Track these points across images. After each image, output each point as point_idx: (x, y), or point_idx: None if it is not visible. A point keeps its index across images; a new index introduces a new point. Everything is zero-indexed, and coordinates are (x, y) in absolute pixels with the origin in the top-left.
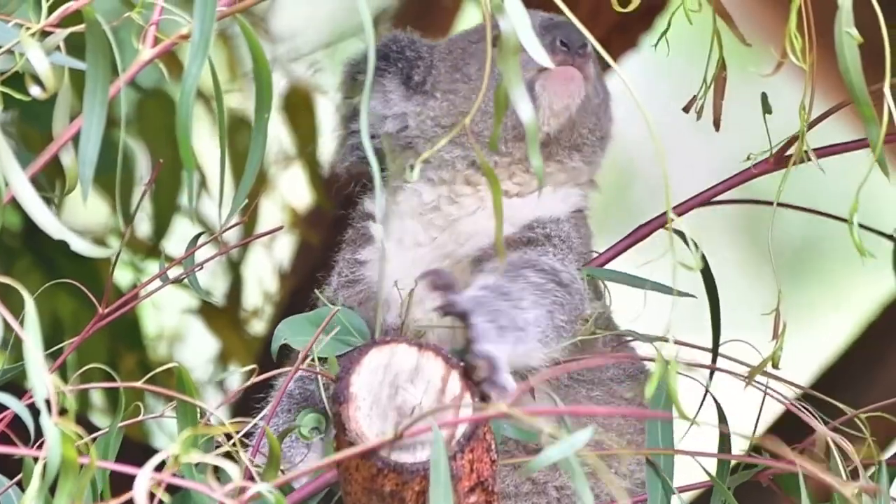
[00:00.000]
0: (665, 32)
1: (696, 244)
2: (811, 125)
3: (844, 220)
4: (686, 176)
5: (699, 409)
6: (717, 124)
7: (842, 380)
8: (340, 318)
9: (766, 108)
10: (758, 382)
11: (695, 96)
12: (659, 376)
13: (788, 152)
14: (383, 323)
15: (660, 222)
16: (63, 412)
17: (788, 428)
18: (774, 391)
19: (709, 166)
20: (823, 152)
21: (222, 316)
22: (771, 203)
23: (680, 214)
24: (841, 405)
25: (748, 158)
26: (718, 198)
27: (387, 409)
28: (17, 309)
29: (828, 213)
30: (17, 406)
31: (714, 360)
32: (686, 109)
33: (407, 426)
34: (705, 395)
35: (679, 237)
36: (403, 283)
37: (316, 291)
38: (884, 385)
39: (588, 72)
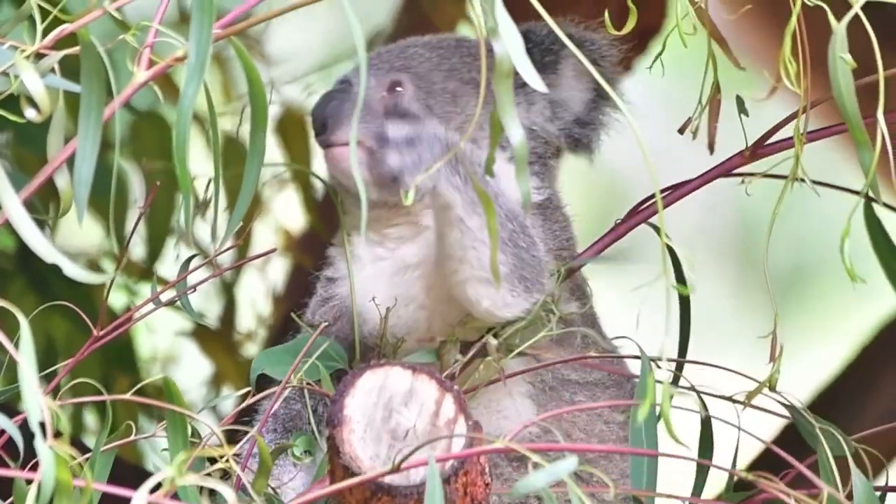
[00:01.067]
0: (660, 55)
1: (689, 264)
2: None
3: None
4: (682, 201)
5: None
6: (711, 147)
7: (835, 404)
8: (319, 343)
9: (742, 110)
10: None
11: (689, 118)
12: (650, 401)
13: (767, 142)
14: (361, 336)
15: (640, 218)
16: (58, 434)
17: (790, 444)
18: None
19: (703, 189)
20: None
21: (216, 339)
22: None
23: (653, 214)
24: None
25: (742, 182)
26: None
27: (381, 432)
28: (11, 331)
29: (844, 188)
30: (9, 427)
31: (675, 381)
32: (681, 131)
33: (405, 457)
34: (707, 424)
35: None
36: (374, 296)
37: (293, 314)
38: (876, 409)
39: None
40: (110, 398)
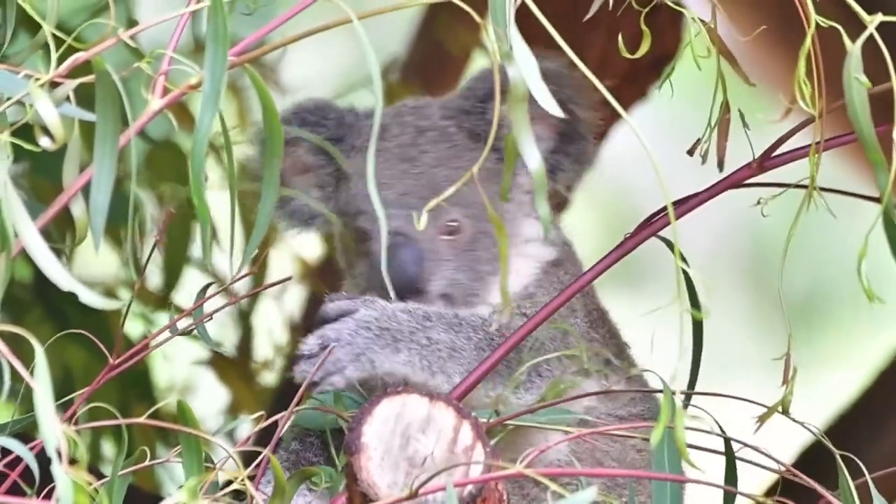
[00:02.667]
0: (669, 75)
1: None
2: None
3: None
4: (695, 224)
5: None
6: (720, 165)
7: (852, 431)
8: None
9: (745, 125)
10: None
11: (699, 139)
12: (664, 423)
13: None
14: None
15: (649, 231)
16: (74, 462)
17: (813, 463)
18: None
19: (718, 215)
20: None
21: (233, 367)
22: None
23: (664, 226)
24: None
25: (758, 203)
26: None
27: (398, 459)
28: (28, 360)
29: (862, 195)
30: (26, 454)
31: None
32: (690, 152)
33: (422, 483)
34: (729, 448)
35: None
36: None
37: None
38: (894, 437)
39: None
40: (126, 422)
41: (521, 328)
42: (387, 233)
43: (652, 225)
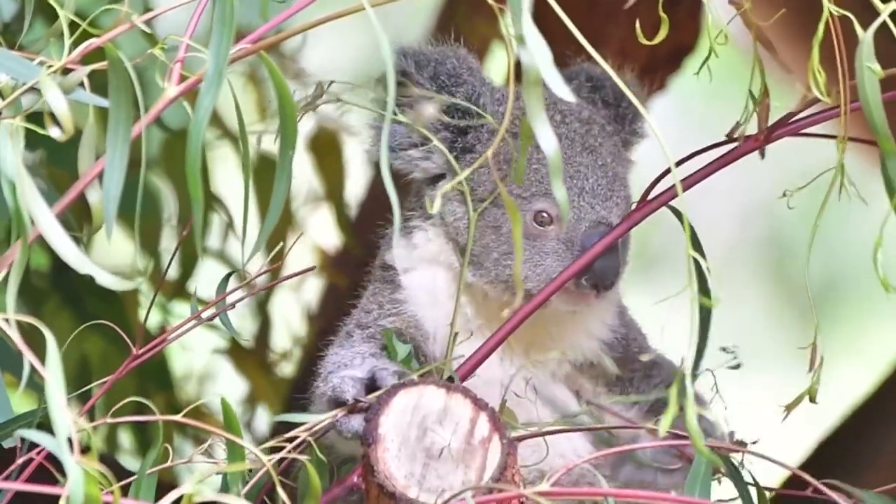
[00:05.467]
0: (707, 60)
1: (710, 270)
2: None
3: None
4: (712, 218)
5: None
6: (762, 153)
7: (870, 424)
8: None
9: (755, 103)
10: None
11: (738, 122)
12: (673, 412)
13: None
14: (424, 351)
15: (659, 202)
16: (86, 450)
17: (825, 461)
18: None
19: (737, 209)
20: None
21: (251, 358)
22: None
23: (673, 198)
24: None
25: (784, 195)
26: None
27: (415, 451)
28: (44, 349)
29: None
30: (49, 444)
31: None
32: (729, 136)
33: (447, 501)
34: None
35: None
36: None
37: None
38: None
39: (606, 294)
40: (154, 419)
41: (531, 301)
42: (592, 221)
43: (661, 197)
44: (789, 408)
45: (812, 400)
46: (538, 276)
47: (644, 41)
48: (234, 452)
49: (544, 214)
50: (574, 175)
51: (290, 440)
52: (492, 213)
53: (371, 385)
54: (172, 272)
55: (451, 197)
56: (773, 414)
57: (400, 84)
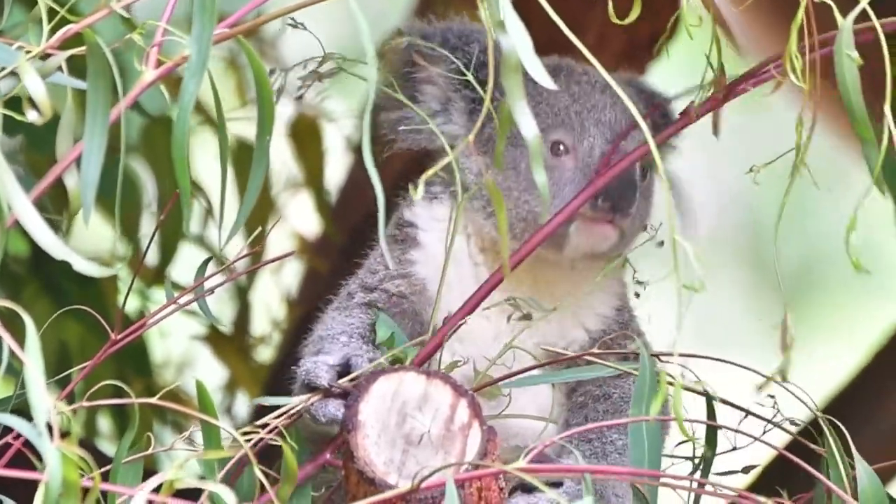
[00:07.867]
0: (668, 38)
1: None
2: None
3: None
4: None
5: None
6: (715, 129)
7: (848, 408)
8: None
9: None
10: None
11: (692, 101)
12: (662, 397)
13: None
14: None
15: (629, 159)
16: (65, 435)
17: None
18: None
19: (714, 190)
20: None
21: (230, 343)
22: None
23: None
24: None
25: (750, 170)
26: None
27: (395, 437)
28: (23, 335)
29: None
30: (27, 430)
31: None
32: (683, 115)
33: (423, 479)
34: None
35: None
36: (457, 293)
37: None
38: (890, 414)
39: (625, 224)
40: (131, 402)
41: (497, 270)
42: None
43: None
44: (761, 387)
45: (784, 379)
46: (555, 206)
47: (618, 21)
48: (210, 435)
49: (561, 145)
50: (591, 109)
51: (264, 426)
52: (510, 154)
53: (345, 371)
54: (152, 258)
55: (467, 155)
56: (750, 397)
57: (409, 62)
